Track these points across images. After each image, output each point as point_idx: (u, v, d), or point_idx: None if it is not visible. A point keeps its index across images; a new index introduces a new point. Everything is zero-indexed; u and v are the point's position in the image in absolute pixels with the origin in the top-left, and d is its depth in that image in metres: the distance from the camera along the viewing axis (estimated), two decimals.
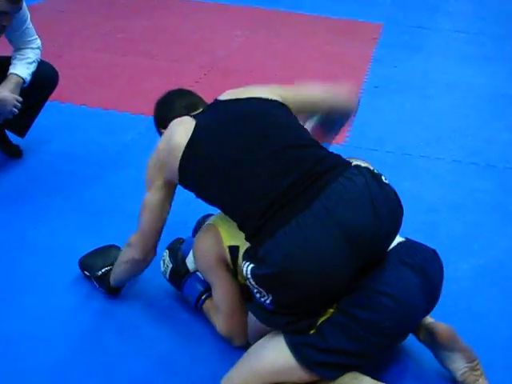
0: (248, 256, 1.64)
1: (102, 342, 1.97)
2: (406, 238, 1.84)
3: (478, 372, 1.82)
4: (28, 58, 2.65)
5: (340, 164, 1.73)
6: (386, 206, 1.67)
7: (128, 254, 1.96)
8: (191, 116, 1.86)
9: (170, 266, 2.07)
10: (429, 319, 1.86)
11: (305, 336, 1.65)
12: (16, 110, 2.57)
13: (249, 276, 1.60)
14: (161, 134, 1.98)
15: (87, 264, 2.17)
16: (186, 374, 1.86)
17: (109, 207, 2.63)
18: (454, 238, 2.54)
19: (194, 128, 1.77)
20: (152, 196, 1.87)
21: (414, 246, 1.82)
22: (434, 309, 1.83)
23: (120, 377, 1.84)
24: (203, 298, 2.01)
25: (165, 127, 1.91)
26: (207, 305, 2.01)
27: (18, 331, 1.97)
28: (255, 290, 1.62)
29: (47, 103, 2.90)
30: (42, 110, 2.88)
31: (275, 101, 1.85)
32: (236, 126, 1.77)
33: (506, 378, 1.89)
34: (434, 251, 1.85)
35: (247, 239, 1.70)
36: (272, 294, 1.59)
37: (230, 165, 1.71)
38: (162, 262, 2.10)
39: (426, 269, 1.74)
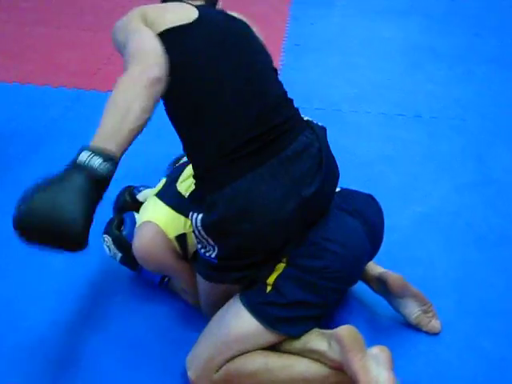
0: (194, 201, 1.61)
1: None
2: (341, 188, 1.87)
3: (431, 314, 1.92)
4: None
5: (299, 120, 1.70)
6: (332, 162, 1.71)
7: (125, 80, 1.39)
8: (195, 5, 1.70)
9: (120, 254, 1.96)
10: (379, 269, 1.92)
11: (262, 295, 1.65)
12: None
13: (199, 226, 1.57)
14: None
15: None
16: (150, 351, 1.85)
17: None
18: (392, 190, 2.59)
19: (194, 20, 1.63)
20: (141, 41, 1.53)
21: (348, 193, 1.86)
22: (382, 258, 1.90)
23: (79, 352, 1.83)
24: (166, 279, 1.99)
25: None
26: (173, 283, 1.99)
27: None
28: (202, 245, 1.61)
29: None
30: None
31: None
32: (231, 51, 1.66)
33: (457, 318, 1.99)
34: (369, 195, 1.90)
35: (197, 174, 1.65)
36: (218, 244, 1.58)
37: (207, 91, 1.61)
38: (106, 247, 1.99)
39: (362, 211, 1.78)
